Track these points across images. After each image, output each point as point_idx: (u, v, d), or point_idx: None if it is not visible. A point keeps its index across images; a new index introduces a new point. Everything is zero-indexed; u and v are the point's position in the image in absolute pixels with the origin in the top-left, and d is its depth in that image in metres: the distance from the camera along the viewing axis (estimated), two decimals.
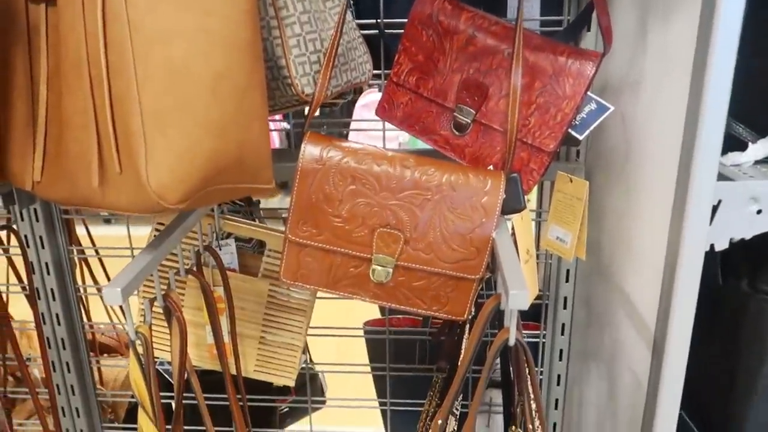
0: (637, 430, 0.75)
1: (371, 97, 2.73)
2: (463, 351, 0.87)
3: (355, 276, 0.71)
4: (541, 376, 1.06)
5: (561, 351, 1.04)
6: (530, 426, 0.77)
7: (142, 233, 1.11)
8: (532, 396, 0.71)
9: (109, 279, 1.35)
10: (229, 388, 0.89)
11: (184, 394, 0.78)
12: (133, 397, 1.36)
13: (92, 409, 1.20)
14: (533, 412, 0.72)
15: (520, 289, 0.56)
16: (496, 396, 1.13)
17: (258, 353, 0.95)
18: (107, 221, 3.49)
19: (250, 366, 0.96)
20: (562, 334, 1.02)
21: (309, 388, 1.15)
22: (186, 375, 0.76)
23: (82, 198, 0.59)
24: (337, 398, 1.18)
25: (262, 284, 0.92)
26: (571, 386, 1.03)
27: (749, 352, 0.72)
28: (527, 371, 0.67)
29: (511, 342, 0.63)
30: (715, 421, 0.77)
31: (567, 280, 0.99)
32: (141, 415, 0.68)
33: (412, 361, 1.18)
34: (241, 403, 0.94)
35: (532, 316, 1.10)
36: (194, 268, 0.83)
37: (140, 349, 0.67)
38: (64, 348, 1.14)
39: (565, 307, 1.01)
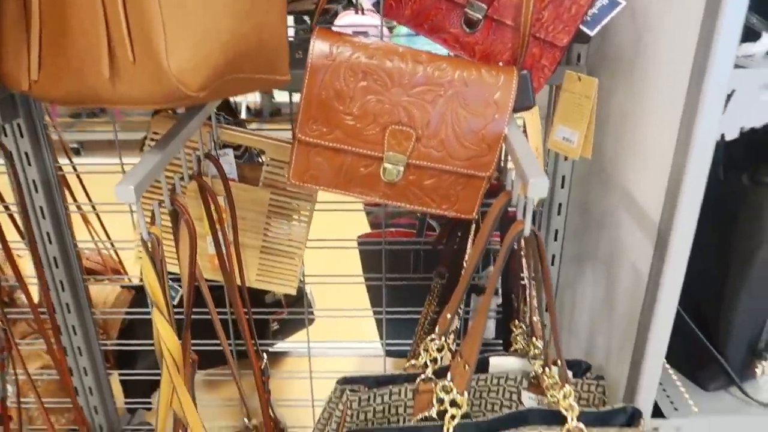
0: (635, 326, 0.79)
1: (348, 20, 2.65)
2: (468, 252, 0.89)
3: (365, 176, 0.71)
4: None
5: (553, 257, 1.07)
6: (535, 319, 0.81)
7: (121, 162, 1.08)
8: (539, 288, 0.74)
9: (93, 206, 1.32)
10: (235, 298, 0.89)
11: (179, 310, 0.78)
12: (127, 314, 1.37)
13: (88, 327, 1.20)
14: (542, 306, 0.75)
15: (539, 177, 0.57)
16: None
17: (259, 262, 0.95)
18: (77, 152, 3.39)
19: (252, 275, 0.96)
20: (555, 239, 1.05)
21: (306, 299, 1.16)
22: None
23: (90, 93, 0.57)
24: (329, 309, 1.20)
25: (263, 193, 0.91)
26: (563, 290, 1.07)
27: (745, 244, 0.75)
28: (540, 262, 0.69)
29: (527, 232, 0.64)
30: (707, 312, 0.82)
31: (562, 186, 1.00)
32: (156, 316, 0.68)
33: (406, 272, 1.20)
34: (247, 317, 0.95)
35: (507, 226, 1.13)
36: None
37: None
38: (56, 266, 1.12)
39: (559, 213, 1.03)
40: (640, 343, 0.77)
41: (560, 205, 1.02)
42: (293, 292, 0.97)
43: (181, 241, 0.74)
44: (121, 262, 1.62)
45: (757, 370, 0.83)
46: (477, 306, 1.16)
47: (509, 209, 0.76)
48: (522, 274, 0.89)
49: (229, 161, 0.90)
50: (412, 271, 1.21)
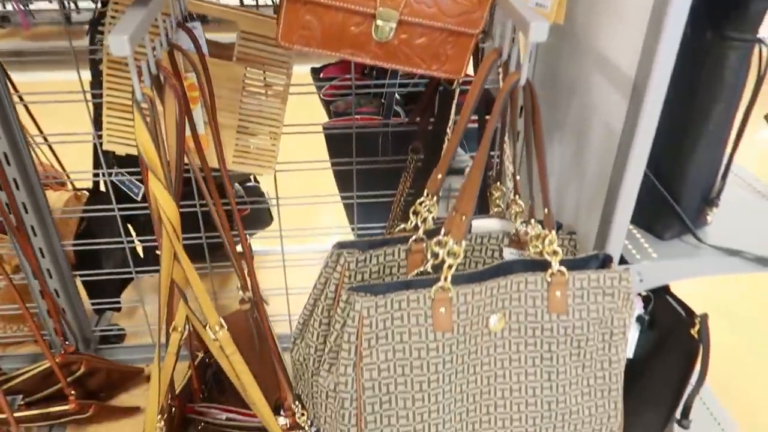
0: (605, 183, 0.84)
1: None
2: (451, 127, 0.91)
3: (356, 35, 0.70)
4: (496, 159, 1.14)
5: (518, 133, 1.11)
6: (518, 177, 0.85)
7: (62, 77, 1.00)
8: (529, 140, 0.77)
9: (21, 95, 1.24)
10: (226, 183, 0.87)
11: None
12: (83, 219, 1.32)
13: (48, 227, 1.15)
14: (532, 160, 0.79)
15: (539, 20, 0.59)
16: (455, 181, 1.21)
17: (236, 143, 0.94)
18: None
19: (229, 157, 0.95)
20: (520, 116, 1.09)
21: (276, 186, 1.16)
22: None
23: None
24: (297, 197, 1.20)
25: (237, 68, 0.89)
26: (529, 163, 1.11)
27: (704, 97, 0.81)
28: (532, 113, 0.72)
29: (522, 81, 0.67)
30: (664, 166, 0.88)
31: (529, 60, 1.02)
32: (153, 182, 0.67)
33: (373, 156, 1.21)
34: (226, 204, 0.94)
35: (483, 106, 1.16)
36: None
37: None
38: (8, 164, 1.06)
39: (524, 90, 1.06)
40: (611, 198, 0.83)
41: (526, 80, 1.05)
42: (271, 173, 0.96)
43: (167, 111, 0.72)
44: (64, 170, 1.54)
45: (708, 217, 0.92)
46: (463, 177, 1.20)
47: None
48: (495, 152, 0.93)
49: (199, 34, 0.86)
50: (380, 156, 1.22)
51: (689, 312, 0.95)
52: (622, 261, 0.89)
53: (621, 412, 0.86)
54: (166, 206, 0.67)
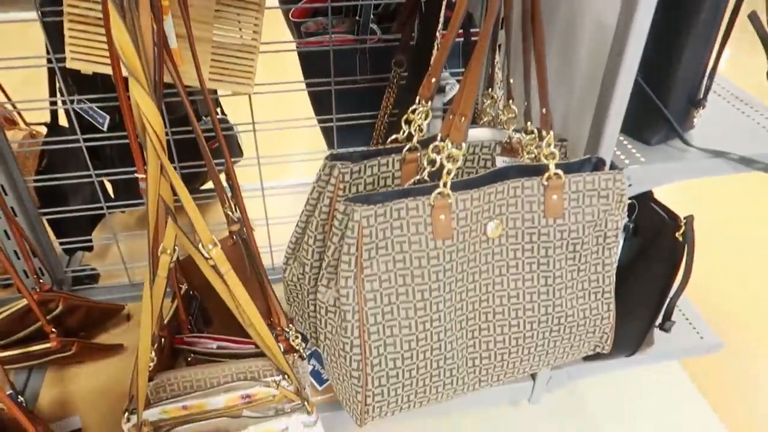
0: (596, 88, 0.83)
1: None
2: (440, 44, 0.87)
3: None
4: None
5: (499, 46, 1.08)
6: (512, 81, 0.83)
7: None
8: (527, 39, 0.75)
9: None
10: (209, 105, 0.82)
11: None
12: (43, 155, 1.25)
13: (9, 163, 1.08)
14: (529, 59, 0.76)
15: None
16: (436, 100, 1.19)
17: (212, 58, 0.88)
18: None
19: (205, 74, 0.89)
20: (502, 27, 1.06)
21: (252, 111, 1.11)
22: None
23: None
24: (273, 121, 1.15)
25: None
26: (513, 72, 1.09)
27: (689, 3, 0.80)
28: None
29: None
30: (652, 68, 0.87)
31: None
32: (134, 87, 0.62)
33: (351, 76, 1.17)
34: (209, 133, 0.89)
35: (466, 21, 1.12)
36: None
37: None
38: None
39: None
40: (603, 100, 0.82)
41: None
42: (251, 90, 0.92)
43: (141, 16, 0.67)
44: (9, 99, 1.43)
45: (694, 120, 0.92)
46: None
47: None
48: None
49: None
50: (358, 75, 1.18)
51: (673, 216, 0.96)
52: (612, 167, 0.89)
53: (613, 314, 0.88)
54: (150, 115, 0.63)
